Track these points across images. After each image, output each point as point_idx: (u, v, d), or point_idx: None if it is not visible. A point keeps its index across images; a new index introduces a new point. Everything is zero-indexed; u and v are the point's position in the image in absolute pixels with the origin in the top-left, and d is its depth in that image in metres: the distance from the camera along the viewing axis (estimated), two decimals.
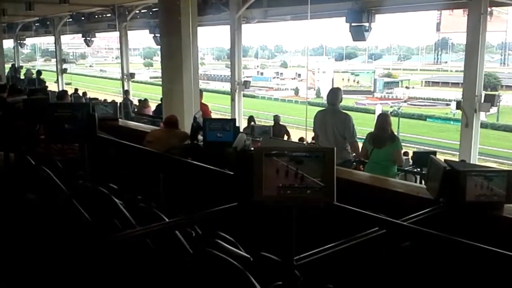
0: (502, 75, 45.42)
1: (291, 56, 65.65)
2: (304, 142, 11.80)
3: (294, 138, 14.02)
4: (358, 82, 47.81)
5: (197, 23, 7.94)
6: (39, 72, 19.89)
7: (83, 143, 3.63)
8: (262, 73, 57.87)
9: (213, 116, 10.47)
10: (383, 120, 5.81)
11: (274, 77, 56.96)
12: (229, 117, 13.34)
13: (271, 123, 14.05)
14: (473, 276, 2.30)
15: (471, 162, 9.32)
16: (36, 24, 21.64)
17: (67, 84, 23.49)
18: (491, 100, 10.22)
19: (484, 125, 19.94)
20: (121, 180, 3.41)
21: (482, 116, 11.15)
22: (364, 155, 5.84)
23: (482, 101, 9.98)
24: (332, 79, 46.04)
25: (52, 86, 19.69)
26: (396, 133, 6.39)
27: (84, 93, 18.26)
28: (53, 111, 3.58)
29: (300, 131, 17.97)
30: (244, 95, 16.22)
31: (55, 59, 24.50)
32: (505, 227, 2.64)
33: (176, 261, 2.15)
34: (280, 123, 13.67)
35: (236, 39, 14.33)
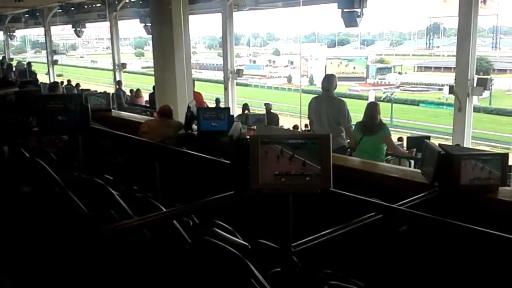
0: (494, 59, 45.28)
1: (283, 43, 65.24)
2: (299, 130, 11.81)
3: (289, 125, 14.00)
4: (354, 68, 47.71)
5: (188, 11, 7.88)
6: (29, 64, 19.70)
7: (77, 135, 3.61)
8: (254, 61, 57.50)
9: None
10: (372, 108, 5.83)
11: (267, 65, 56.62)
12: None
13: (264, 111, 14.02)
14: (469, 259, 2.32)
15: (465, 146, 9.36)
16: (26, 16, 21.39)
17: (58, 75, 23.27)
18: (483, 84, 10.22)
19: (477, 109, 19.99)
20: (116, 171, 3.40)
21: (475, 100, 11.17)
22: (354, 144, 5.86)
23: (475, 85, 9.99)
24: (325, 66, 45.90)
25: (43, 78, 19.53)
26: (389, 119, 6.38)
27: (77, 85, 18.14)
28: (46, 103, 3.55)
29: (294, 118, 17.98)
30: (237, 84, 16.19)
31: (45, 51, 24.28)
32: (500, 209, 2.66)
33: (174, 251, 2.16)
34: (272, 111, 13.62)
35: (227, 27, 14.26)
